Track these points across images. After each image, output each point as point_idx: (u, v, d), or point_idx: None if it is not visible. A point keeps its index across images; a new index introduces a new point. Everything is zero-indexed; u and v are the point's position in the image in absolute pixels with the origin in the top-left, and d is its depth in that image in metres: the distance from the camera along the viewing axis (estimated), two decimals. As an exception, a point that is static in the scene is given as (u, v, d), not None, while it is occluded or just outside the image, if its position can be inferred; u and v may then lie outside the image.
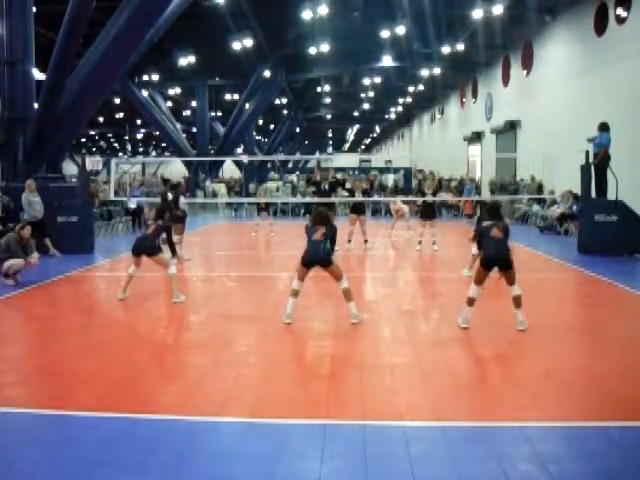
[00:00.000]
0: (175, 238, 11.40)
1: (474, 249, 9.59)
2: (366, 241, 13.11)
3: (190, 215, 14.24)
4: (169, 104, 37.00)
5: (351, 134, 66.53)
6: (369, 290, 9.30)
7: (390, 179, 28.67)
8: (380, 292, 9.05)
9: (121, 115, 43.10)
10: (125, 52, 13.89)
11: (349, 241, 13.05)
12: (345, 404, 4.45)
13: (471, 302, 6.45)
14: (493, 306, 7.48)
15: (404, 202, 16.92)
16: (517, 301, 6.35)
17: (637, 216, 12.02)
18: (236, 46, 24.30)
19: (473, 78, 30.20)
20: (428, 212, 12.85)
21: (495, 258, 6.35)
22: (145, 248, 8.07)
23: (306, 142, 64.53)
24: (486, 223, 6.64)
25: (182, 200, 11.96)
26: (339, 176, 14.55)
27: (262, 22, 23.45)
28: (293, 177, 31.98)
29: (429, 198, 12.82)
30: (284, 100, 38.41)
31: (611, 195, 12.32)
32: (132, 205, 18.16)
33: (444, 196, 20.31)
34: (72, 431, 4.02)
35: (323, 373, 5.15)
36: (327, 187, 12.85)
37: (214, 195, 27.53)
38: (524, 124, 23.03)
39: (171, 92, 35.72)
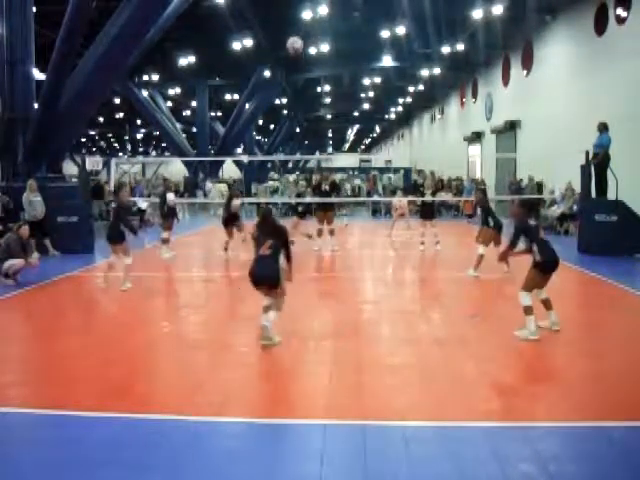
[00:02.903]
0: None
1: (481, 249, 9.55)
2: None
3: (190, 215, 14.23)
4: (169, 104, 36.98)
5: (351, 134, 66.49)
6: (369, 290, 9.31)
7: (390, 179, 28.75)
8: (380, 292, 9.04)
9: (121, 115, 43.07)
10: (125, 52, 13.89)
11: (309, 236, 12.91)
12: (345, 404, 4.45)
13: (531, 310, 6.02)
14: (493, 306, 7.48)
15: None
16: (550, 303, 6.27)
17: (637, 216, 12.01)
18: (236, 46, 24.30)
19: (473, 78, 30.18)
20: (427, 212, 12.83)
21: (556, 263, 6.04)
22: (109, 236, 8.68)
23: (306, 142, 64.51)
24: (532, 222, 6.18)
25: (235, 202, 12.21)
26: (339, 177, 14.60)
27: (262, 22, 23.43)
28: (292, 177, 31.90)
29: (428, 198, 12.80)
30: (284, 100, 38.38)
31: (611, 195, 12.32)
32: (143, 205, 18.59)
33: (444, 196, 20.31)
34: (72, 431, 4.02)
35: (323, 373, 5.14)
36: (327, 188, 12.92)
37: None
38: (524, 124, 23.01)
39: (171, 92, 35.69)
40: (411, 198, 16.51)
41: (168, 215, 12.41)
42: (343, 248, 12.84)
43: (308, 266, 11.24)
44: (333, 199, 13.31)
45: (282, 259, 6.01)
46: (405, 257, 12.85)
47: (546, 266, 6.05)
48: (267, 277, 5.79)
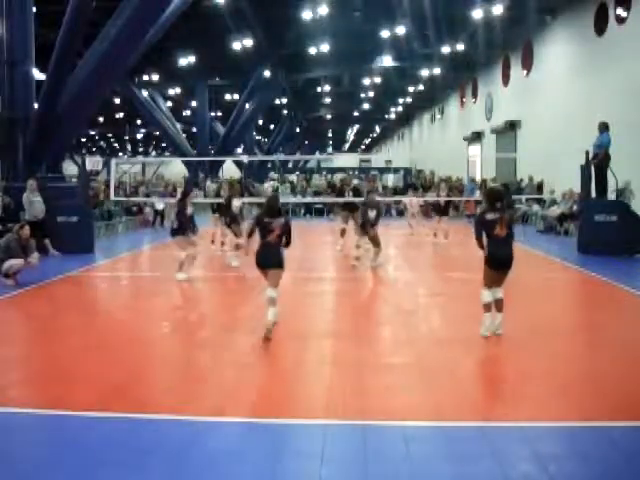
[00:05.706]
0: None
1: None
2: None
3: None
4: (169, 104, 36.97)
5: (351, 134, 66.43)
6: (368, 289, 9.30)
7: (390, 179, 28.77)
8: (380, 292, 9.04)
9: (121, 115, 43.05)
10: (125, 52, 13.89)
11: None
12: (345, 404, 4.45)
13: (488, 308, 6.03)
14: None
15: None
16: (501, 305, 6.07)
17: (637, 216, 12.02)
18: (236, 46, 24.29)
19: (473, 78, 30.18)
20: (443, 210, 14.25)
21: (502, 260, 5.90)
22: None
23: (306, 142, 64.46)
24: (490, 216, 5.90)
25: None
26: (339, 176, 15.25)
27: (262, 22, 23.43)
28: (293, 177, 31.95)
29: (444, 198, 14.37)
30: (284, 100, 38.37)
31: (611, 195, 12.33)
32: (160, 206, 19.54)
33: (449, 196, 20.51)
34: (72, 431, 4.02)
35: (323, 373, 5.15)
36: (351, 194, 13.28)
37: (217, 195, 27.45)
38: (524, 124, 23.02)
39: (171, 92, 35.68)
40: (430, 198, 16.82)
41: (232, 221, 11.11)
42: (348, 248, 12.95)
43: (313, 266, 11.24)
44: (335, 199, 13.69)
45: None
46: (404, 256, 12.85)
47: (491, 262, 5.93)
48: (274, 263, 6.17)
